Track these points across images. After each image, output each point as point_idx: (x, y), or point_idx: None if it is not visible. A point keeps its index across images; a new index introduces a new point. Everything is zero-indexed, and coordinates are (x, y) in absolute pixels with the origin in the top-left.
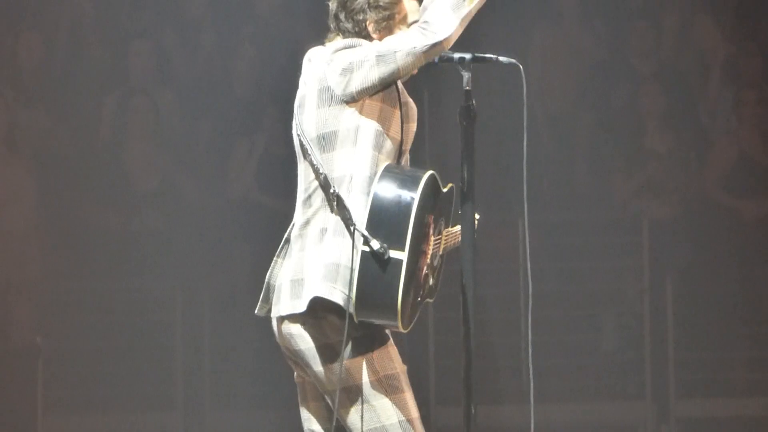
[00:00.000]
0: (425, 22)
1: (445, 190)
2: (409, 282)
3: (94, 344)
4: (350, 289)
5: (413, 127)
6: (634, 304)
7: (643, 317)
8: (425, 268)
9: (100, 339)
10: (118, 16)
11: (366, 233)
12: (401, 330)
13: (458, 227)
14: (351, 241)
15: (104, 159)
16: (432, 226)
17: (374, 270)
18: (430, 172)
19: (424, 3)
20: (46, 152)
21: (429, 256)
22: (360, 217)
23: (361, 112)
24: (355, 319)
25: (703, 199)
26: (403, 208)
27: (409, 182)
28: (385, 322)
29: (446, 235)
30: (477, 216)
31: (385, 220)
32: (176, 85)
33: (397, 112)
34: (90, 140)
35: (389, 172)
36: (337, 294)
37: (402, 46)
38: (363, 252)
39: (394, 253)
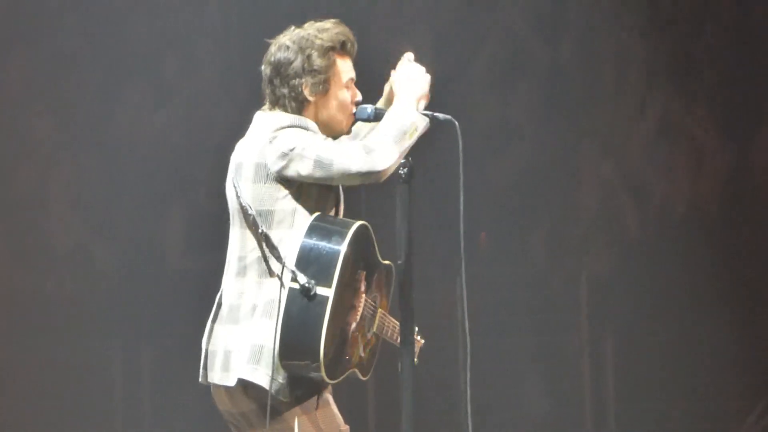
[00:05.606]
0: (369, 148)
1: (384, 262)
2: (334, 325)
3: (33, 407)
4: (275, 336)
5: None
6: (574, 359)
7: (582, 373)
8: (354, 325)
9: (38, 401)
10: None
11: (294, 269)
12: (326, 380)
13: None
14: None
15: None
16: (363, 283)
17: (300, 306)
18: (361, 222)
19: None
20: None
21: (359, 316)
22: (290, 255)
23: (298, 195)
24: (280, 367)
25: (641, 250)
26: (332, 249)
27: (340, 227)
28: (308, 366)
29: (382, 315)
30: (421, 340)
31: (313, 260)
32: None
33: (332, 194)
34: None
35: (320, 220)
36: (259, 375)
37: (341, 162)
38: (291, 289)
39: (321, 290)
